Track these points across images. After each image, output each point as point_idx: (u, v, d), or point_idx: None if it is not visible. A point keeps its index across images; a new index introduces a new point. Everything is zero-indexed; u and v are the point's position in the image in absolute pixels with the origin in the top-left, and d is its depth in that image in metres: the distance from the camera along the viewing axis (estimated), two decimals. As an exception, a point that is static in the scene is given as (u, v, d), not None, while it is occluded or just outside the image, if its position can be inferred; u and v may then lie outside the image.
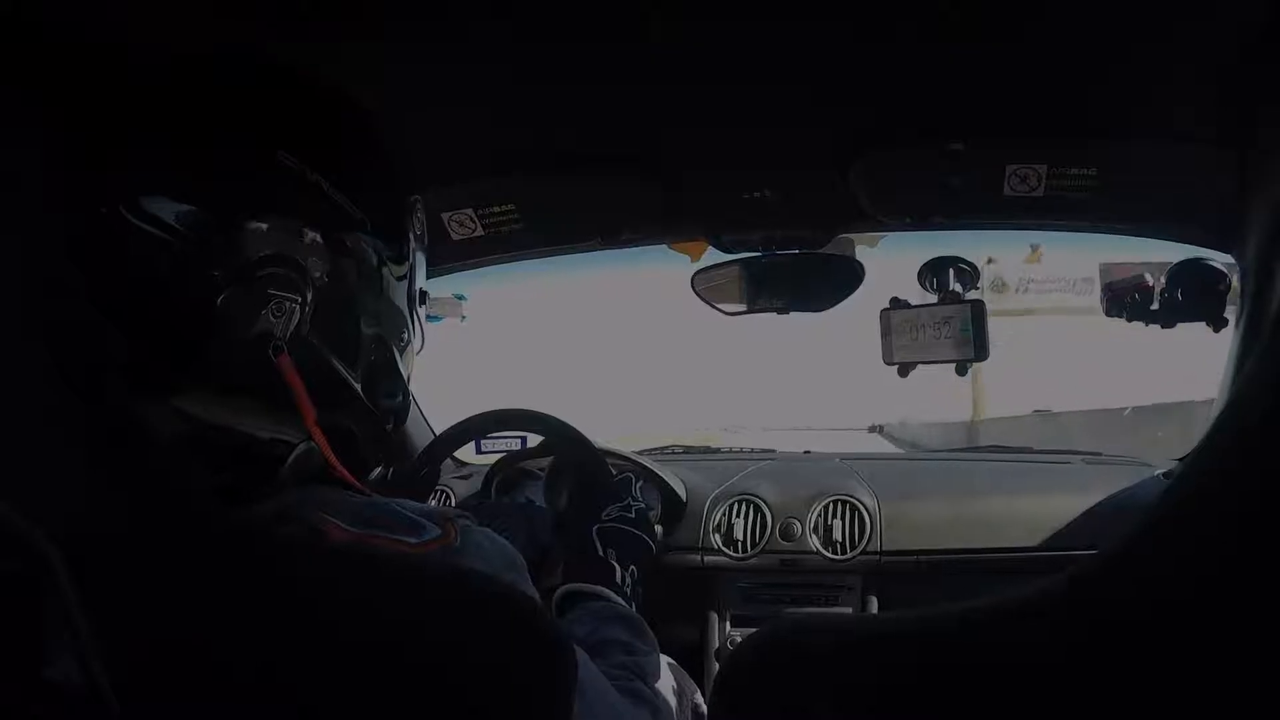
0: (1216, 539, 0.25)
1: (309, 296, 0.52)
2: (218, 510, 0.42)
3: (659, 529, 1.09)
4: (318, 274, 0.53)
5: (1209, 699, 0.25)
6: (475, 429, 1.19)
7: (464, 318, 1.37)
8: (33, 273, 0.38)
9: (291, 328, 0.52)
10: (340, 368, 0.56)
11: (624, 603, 0.79)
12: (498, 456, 1.24)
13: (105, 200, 0.48)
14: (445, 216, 1.14)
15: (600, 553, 0.83)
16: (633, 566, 0.84)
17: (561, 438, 1.11)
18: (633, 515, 0.89)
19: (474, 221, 1.15)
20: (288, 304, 0.51)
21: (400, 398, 0.63)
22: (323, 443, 0.55)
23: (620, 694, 0.60)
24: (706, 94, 0.86)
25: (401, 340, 0.62)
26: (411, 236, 0.62)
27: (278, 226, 0.52)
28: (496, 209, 1.14)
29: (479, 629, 0.43)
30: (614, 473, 1.03)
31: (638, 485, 0.95)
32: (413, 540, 0.49)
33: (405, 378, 0.63)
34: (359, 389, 0.58)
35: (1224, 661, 0.24)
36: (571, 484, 1.10)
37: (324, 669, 0.41)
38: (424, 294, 0.65)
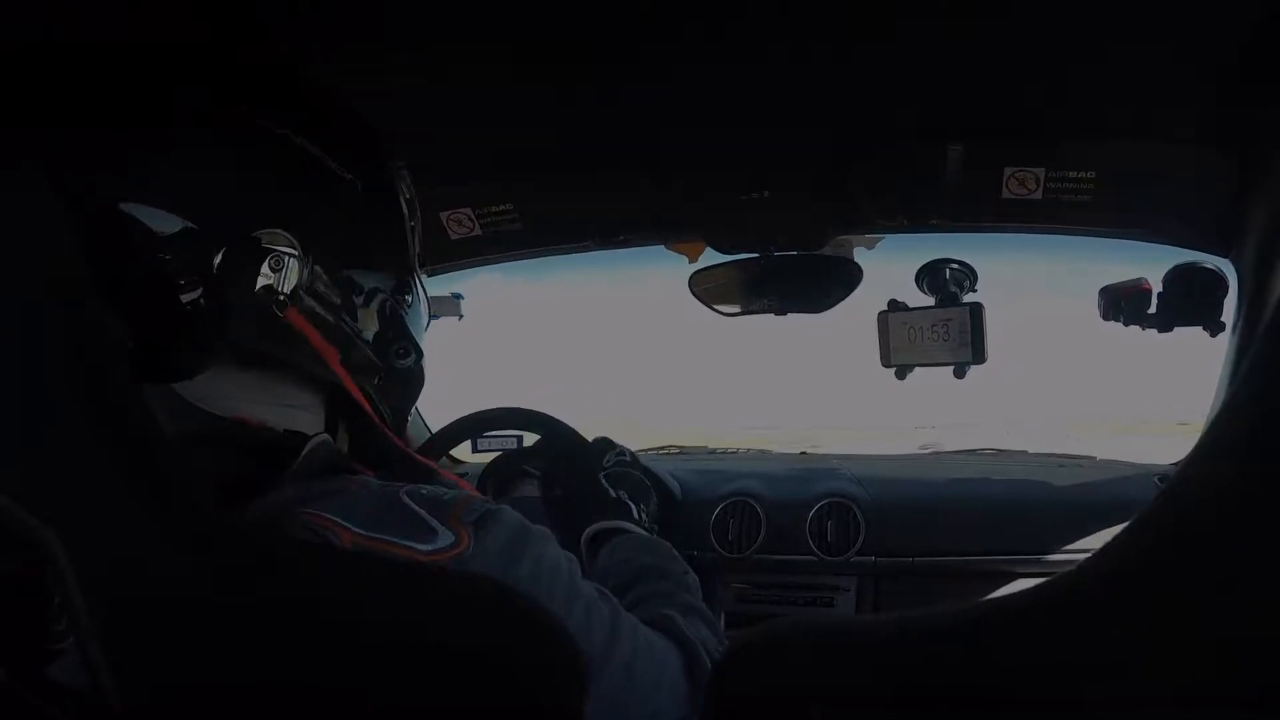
0: (1213, 540, 0.25)
1: (307, 254, 0.53)
2: (222, 509, 0.41)
3: (654, 529, 1.10)
4: (312, 232, 0.54)
5: (1205, 699, 0.25)
6: (471, 427, 1.19)
7: (461, 316, 1.38)
8: (38, 268, 0.38)
9: (293, 283, 0.52)
10: (345, 323, 0.57)
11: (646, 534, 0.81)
12: (494, 455, 1.23)
13: (97, 189, 0.49)
14: (443, 216, 1.14)
15: (614, 494, 0.85)
16: (644, 506, 0.87)
17: (550, 431, 1.10)
18: (629, 460, 0.92)
19: (472, 221, 1.15)
20: (285, 258, 0.52)
21: (412, 357, 0.63)
22: (352, 387, 0.56)
23: (650, 631, 0.57)
24: (704, 95, 0.86)
25: (405, 301, 0.62)
26: (403, 200, 0.62)
27: (266, 189, 0.53)
28: (494, 209, 1.14)
29: (490, 653, 0.42)
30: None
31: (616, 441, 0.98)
32: (424, 548, 0.46)
33: (416, 340, 0.63)
34: (368, 347, 0.58)
35: (1220, 662, 0.24)
36: (563, 464, 1.10)
37: (323, 681, 0.40)
38: (422, 258, 0.65)
